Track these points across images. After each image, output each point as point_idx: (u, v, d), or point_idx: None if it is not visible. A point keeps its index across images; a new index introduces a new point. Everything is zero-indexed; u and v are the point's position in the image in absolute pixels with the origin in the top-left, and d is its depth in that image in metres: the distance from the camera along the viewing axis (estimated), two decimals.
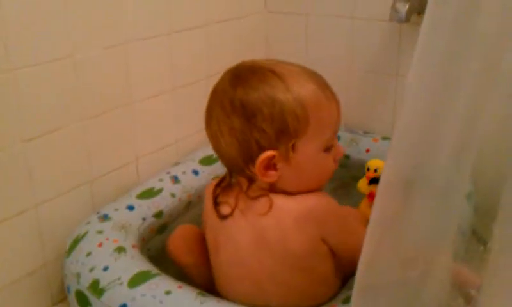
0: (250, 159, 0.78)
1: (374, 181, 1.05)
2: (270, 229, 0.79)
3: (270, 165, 0.78)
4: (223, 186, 0.86)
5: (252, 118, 0.76)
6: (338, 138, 1.27)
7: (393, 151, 0.56)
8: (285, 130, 0.76)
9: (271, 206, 0.79)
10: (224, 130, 0.78)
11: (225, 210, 0.84)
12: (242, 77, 0.79)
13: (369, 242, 0.57)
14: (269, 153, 0.77)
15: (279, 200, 0.80)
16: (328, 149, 0.81)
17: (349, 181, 1.22)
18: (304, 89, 0.78)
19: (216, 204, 0.85)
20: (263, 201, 0.80)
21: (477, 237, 0.80)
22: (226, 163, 0.83)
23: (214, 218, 0.86)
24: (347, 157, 1.26)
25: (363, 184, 1.08)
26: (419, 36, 0.53)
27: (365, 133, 1.30)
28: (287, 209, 0.79)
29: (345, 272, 0.86)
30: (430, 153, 0.55)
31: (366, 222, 0.83)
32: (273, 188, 0.81)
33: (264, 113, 0.76)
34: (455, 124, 0.54)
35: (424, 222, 0.57)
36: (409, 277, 0.58)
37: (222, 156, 0.83)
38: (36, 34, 0.92)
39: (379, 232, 0.57)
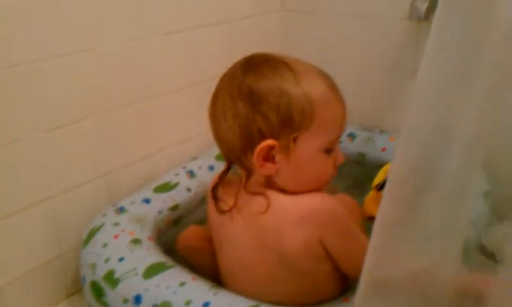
0: (250, 147, 0.77)
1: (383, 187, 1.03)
2: (268, 230, 0.78)
3: (269, 156, 0.77)
4: (222, 181, 0.85)
5: (257, 105, 0.76)
6: (355, 136, 1.27)
7: (404, 144, 0.55)
8: (289, 121, 0.76)
9: (268, 206, 0.78)
10: (228, 115, 0.77)
11: (224, 207, 0.83)
12: (254, 64, 0.79)
13: (378, 237, 0.56)
14: (269, 141, 0.76)
15: (277, 199, 0.79)
16: (328, 151, 0.80)
17: (364, 179, 1.21)
18: (314, 86, 0.77)
19: (216, 200, 0.85)
20: (261, 200, 0.78)
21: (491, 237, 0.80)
22: (225, 150, 0.82)
23: (215, 217, 0.85)
24: (363, 155, 1.26)
25: (373, 183, 1.07)
26: (432, 25, 0.52)
27: (382, 132, 1.29)
28: (286, 210, 0.78)
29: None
30: (441, 149, 0.54)
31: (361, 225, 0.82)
32: (271, 184, 0.80)
33: (270, 101, 0.75)
34: (468, 119, 0.52)
35: (434, 218, 0.56)
36: (420, 273, 0.57)
37: (222, 142, 0.81)
38: (58, 26, 0.93)
39: (388, 228, 0.56)
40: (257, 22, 1.37)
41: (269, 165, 0.78)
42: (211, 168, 1.16)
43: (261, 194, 0.79)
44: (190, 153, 1.23)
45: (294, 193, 0.80)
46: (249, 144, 0.77)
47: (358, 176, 1.23)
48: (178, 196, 1.07)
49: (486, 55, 0.51)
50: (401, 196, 0.56)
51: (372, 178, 1.07)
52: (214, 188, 0.86)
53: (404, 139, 0.55)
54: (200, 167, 1.15)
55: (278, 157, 0.77)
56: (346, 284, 0.84)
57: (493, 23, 0.50)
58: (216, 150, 1.19)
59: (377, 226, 0.57)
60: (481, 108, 0.53)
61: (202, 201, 1.10)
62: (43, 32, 0.91)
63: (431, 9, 1.14)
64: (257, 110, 0.76)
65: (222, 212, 0.83)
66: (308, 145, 0.78)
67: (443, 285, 0.57)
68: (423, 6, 1.13)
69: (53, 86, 0.94)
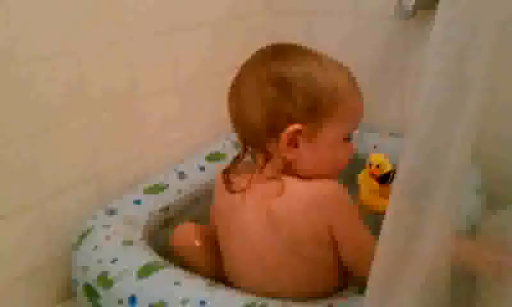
0: (275, 131, 0.79)
1: (383, 180, 1.05)
2: (279, 214, 0.78)
3: (293, 141, 0.79)
4: (236, 164, 0.86)
5: (286, 89, 0.78)
6: None
7: (412, 146, 0.56)
8: (316, 107, 0.78)
9: (283, 191, 0.78)
10: (255, 99, 0.79)
11: (236, 189, 0.83)
12: (282, 50, 0.82)
13: (388, 229, 0.57)
14: (296, 126, 0.78)
15: (291, 185, 0.79)
16: (346, 140, 0.83)
17: (354, 177, 1.21)
18: (338, 75, 0.81)
19: (228, 182, 0.84)
20: (275, 185, 0.79)
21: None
22: (247, 134, 0.82)
23: (225, 202, 0.85)
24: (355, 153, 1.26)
25: (364, 177, 1.08)
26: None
27: (371, 130, 1.29)
28: (298, 194, 0.78)
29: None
30: (442, 150, 0.55)
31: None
32: (288, 170, 0.81)
33: (299, 86, 0.78)
34: (466, 121, 0.53)
35: (436, 209, 0.57)
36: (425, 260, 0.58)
37: (244, 126, 0.82)
38: (42, 29, 0.92)
39: (397, 221, 0.57)
40: (242, 23, 1.37)
41: (293, 150, 0.79)
42: (202, 169, 1.15)
43: (277, 179, 0.79)
44: (178, 155, 1.22)
45: (308, 178, 0.81)
46: (274, 128, 0.79)
47: (349, 174, 1.22)
48: (169, 198, 1.07)
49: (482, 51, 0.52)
50: (409, 192, 0.57)
51: None
52: (226, 171, 0.85)
53: (413, 140, 0.56)
54: (190, 168, 1.14)
55: (301, 143, 0.79)
56: (346, 278, 0.84)
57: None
58: (206, 151, 1.20)
59: (387, 219, 0.57)
60: (480, 106, 0.54)
61: (193, 202, 1.10)
62: (27, 34, 0.90)
63: (418, 6, 1.15)
64: (286, 94, 0.78)
65: (234, 192, 0.83)
66: (331, 133, 0.80)
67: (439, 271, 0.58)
68: (409, 3, 1.13)
69: (38, 89, 0.93)
